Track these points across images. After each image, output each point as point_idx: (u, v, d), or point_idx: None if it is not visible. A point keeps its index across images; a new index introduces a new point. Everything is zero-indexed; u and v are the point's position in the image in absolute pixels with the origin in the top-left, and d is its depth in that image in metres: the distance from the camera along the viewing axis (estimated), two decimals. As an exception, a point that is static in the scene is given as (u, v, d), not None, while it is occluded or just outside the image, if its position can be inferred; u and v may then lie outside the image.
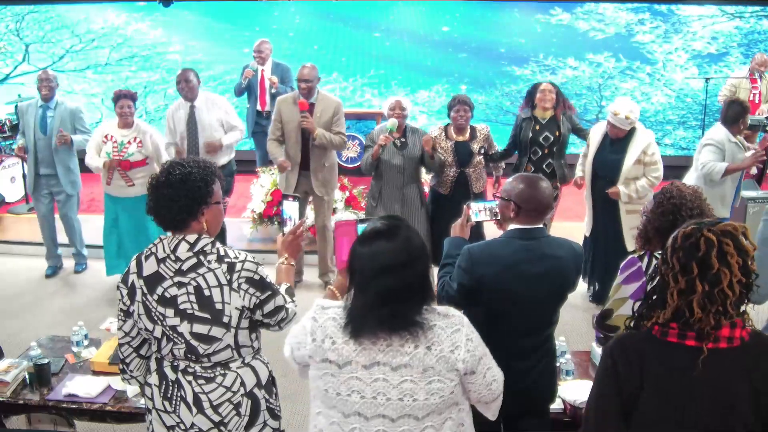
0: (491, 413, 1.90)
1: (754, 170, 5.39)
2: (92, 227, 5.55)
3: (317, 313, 1.75)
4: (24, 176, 6.64)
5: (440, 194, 4.72)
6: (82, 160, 5.33)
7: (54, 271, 5.51)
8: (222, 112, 5.08)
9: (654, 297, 1.72)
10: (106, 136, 4.85)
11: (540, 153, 4.72)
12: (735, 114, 4.47)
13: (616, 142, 4.43)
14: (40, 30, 7.62)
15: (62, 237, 5.52)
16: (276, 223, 5.74)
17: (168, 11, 7.48)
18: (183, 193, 2.00)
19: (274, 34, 7.49)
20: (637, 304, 1.86)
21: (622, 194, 4.33)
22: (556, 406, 2.60)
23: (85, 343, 3.10)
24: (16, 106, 6.87)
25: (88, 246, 5.57)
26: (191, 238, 2.03)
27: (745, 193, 5.22)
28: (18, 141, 5.51)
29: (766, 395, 1.64)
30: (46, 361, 2.82)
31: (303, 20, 8.25)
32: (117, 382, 2.79)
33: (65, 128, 5.15)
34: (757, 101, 6.69)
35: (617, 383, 1.68)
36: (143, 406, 2.64)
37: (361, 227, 2.08)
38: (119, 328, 2.16)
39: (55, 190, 5.28)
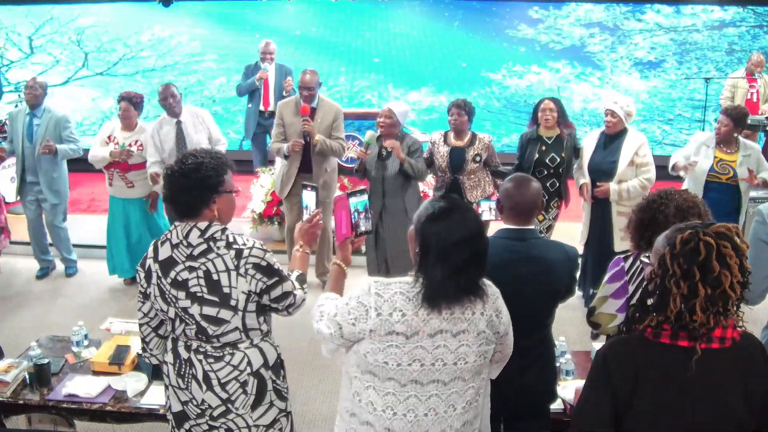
0: (496, 373, 2.11)
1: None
2: (92, 227, 5.71)
3: (380, 289, 1.86)
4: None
5: None
6: (79, 159, 5.45)
7: (45, 272, 5.61)
8: (207, 127, 5.14)
9: (648, 302, 1.75)
10: (109, 137, 5.00)
11: (545, 173, 4.69)
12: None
13: (610, 145, 4.56)
14: (98, 41, 8.85)
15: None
16: (276, 223, 5.92)
17: (205, 26, 8.72)
18: (195, 182, 2.17)
19: (276, 36, 7.86)
20: (615, 304, 1.95)
21: (612, 191, 4.44)
22: (556, 406, 2.66)
23: (85, 343, 3.19)
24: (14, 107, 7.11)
25: (88, 246, 5.71)
26: (202, 225, 2.19)
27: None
28: (2, 143, 5.59)
29: (758, 395, 1.69)
30: (46, 361, 2.90)
31: (305, 21, 8.75)
32: (117, 382, 2.89)
33: (51, 136, 5.19)
34: (755, 100, 6.99)
35: (609, 387, 1.73)
36: (143, 406, 2.77)
37: (352, 201, 2.24)
38: (139, 309, 2.34)
39: (41, 197, 5.39)
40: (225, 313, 2.18)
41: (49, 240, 5.65)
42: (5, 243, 5.66)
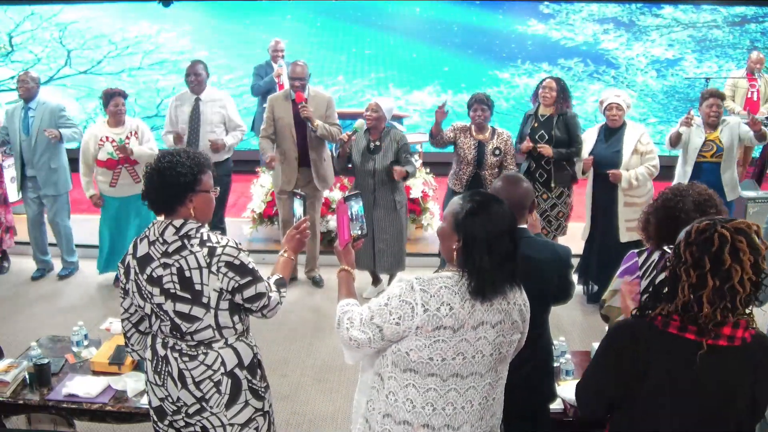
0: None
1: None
2: (92, 227, 5.84)
3: (425, 286, 1.99)
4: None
5: (455, 192, 5.05)
6: (73, 160, 5.65)
7: (41, 274, 5.85)
8: (225, 110, 5.51)
9: (663, 290, 1.87)
10: (101, 140, 5.20)
11: (529, 142, 5.06)
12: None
13: (611, 137, 4.91)
14: (81, 38, 8.97)
15: (53, 237, 5.84)
16: (276, 223, 6.18)
17: (195, 22, 8.81)
18: (170, 180, 2.33)
19: (274, 33, 8.08)
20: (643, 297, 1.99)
21: (624, 178, 4.74)
22: (556, 406, 2.83)
23: (85, 343, 3.37)
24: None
25: (88, 246, 5.93)
26: (177, 222, 2.36)
27: (745, 193, 5.61)
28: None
29: (762, 397, 1.81)
30: (46, 361, 3.07)
31: (303, 21, 8.97)
32: (117, 382, 3.06)
33: (47, 127, 5.42)
34: (755, 99, 7.22)
35: (614, 365, 1.87)
36: (143, 406, 2.92)
37: (350, 205, 2.41)
38: (121, 305, 2.52)
39: (41, 192, 5.63)
40: (197, 311, 2.33)
41: (50, 240, 5.87)
42: (10, 242, 5.92)
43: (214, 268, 2.33)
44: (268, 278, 2.50)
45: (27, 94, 5.54)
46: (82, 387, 3.06)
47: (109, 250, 5.52)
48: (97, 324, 4.27)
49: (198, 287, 2.33)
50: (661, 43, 8.77)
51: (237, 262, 2.35)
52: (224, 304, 2.38)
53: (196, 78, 5.45)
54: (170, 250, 2.35)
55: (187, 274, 2.33)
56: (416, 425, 2.04)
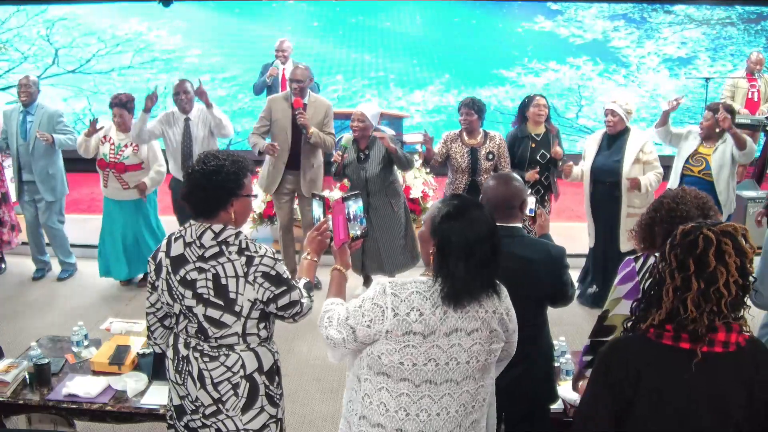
0: (498, 371, 2.33)
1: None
2: (92, 227, 6.09)
3: (396, 290, 2.05)
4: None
5: None
6: (69, 160, 5.89)
7: (41, 274, 6.07)
8: (209, 116, 5.54)
9: (650, 295, 1.93)
10: (104, 137, 5.43)
11: (537, 169, 5.25)
12: None
13: (613, 145, 5.02)
14: (69, 36, 9.04)
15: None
16: (276, 223, 6.34)
17: (187, 18, 8.88)
18: (214, 184, 2.41)
19: (273, 33, 8.27)
20: (629, 305, 2.02)
21: (642, 185, 4.86)
22: (557, 406, 2.93)
23: (85, 343, 3.50)
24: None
25: (88, 246, 6.15)
26: (217, 227, 2.42)
27: (745, 193, 5.78)
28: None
29: (762, 402, 1.84)
30: (46, 361, 3.19)
31: (303, 20, 9.14)
32: (117, 382, 3.17)
33: (45, 131, 5.60)
34: (756, 99, 7.41)
35: (610, 387, 1.90)
36: (143, 406, 3.06)
37: (347, 205, 2.50)
38: (147, 299, 2.62)
39: (36, 197, 5.83)
40: (228, 318, 2.42)
41: (47, 240, 6.05)
42: (17, 241, 6.12)
43: (250, 278, 2.41)
44: (296, 281, 2.57)
45: (29, 99, 5.73)
46: (82, 387, 3.17)
47: (103, 252, 5.73)
48: (97, 324, 4.42)
49: (232, 295, 2.42)
50: (674, 41, 8.83)
51: (273, 272, 2.45)
52: (255, 314, 2.47)
53: (186, 96, 5.47)
54: (207, 255, 2.43)
55: (223, 281, 2.41)
56: (390, 429, 2.10)
